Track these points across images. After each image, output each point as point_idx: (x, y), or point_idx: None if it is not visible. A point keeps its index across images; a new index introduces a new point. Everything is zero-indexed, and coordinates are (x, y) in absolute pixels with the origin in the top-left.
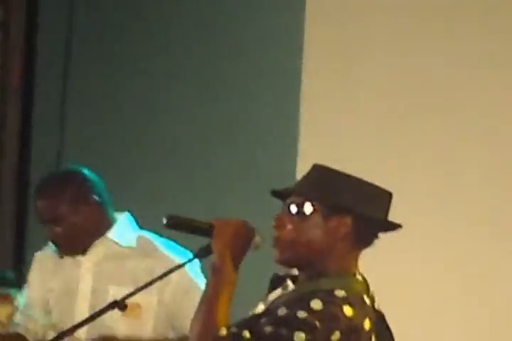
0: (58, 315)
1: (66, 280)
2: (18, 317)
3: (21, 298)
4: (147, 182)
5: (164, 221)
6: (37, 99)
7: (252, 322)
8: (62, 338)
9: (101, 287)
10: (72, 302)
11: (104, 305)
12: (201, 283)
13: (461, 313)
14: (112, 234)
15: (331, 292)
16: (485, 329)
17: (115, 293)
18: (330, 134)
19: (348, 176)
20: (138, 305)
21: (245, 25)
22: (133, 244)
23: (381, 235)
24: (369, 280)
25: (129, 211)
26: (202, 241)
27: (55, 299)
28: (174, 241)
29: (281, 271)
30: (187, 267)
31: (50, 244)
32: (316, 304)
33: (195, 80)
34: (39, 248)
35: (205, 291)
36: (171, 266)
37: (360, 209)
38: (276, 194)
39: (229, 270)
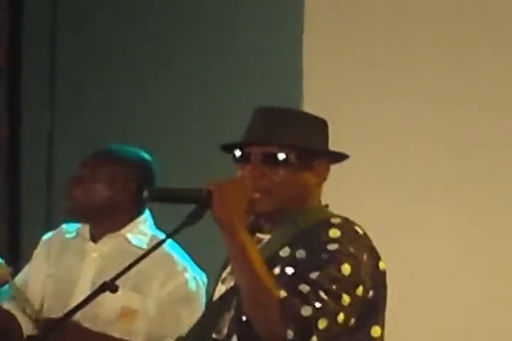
0: (52, 301)
1: (69, 269)
2: (14, 295)
3: (19, 276)
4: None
5: (146, 194)
6: (25, 81)
7: (293, 277)
8: (54, 326)
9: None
10: (70, 292)
11: (99, 302)
12: (199, 295)
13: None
14: (126, 230)
15: (329, 220)
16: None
17: (113, 294)
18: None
19: (298, 113)
20: (135, 311)
21: None
22: (144, 245)
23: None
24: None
25: (149, 209)
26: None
27: (52, 285)
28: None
29: None
30: (189, 277)
31: (59, 228)
32: (335, 233)
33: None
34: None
35: (239, 264)
36: (174, 275)
37: (328, 149)
38: (231, 146)
39: (242, 235)
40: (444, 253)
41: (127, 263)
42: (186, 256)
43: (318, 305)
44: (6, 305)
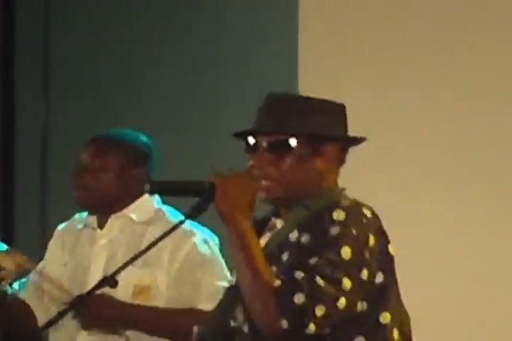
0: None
1: (81, 257)
2: (31, 287)
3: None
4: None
5: (148, 187)
6: (18, 81)
7: (292, 264)
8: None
9: (112, 268)
10: (84, 280)
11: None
12: (215, 256)
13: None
14: (128, 210)
15: (338, 203)
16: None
17: (125, 274)
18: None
19: (308, 99)
20: (148, 288)
21: None
22: (146, 218)
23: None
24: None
25: None
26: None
27: (68, 273)
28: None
29: None
30: (198, 241)
31: (72, 218)
32: (339, 215)
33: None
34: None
35: (237, 254)
36: (183, 242)
37: (341, 132)
38: (242, 134)
39: (244, 227)
40: (443, 253)
41: (135, 245)
42: (194, 222)
43: (312, 291)
44: (22, 295)
